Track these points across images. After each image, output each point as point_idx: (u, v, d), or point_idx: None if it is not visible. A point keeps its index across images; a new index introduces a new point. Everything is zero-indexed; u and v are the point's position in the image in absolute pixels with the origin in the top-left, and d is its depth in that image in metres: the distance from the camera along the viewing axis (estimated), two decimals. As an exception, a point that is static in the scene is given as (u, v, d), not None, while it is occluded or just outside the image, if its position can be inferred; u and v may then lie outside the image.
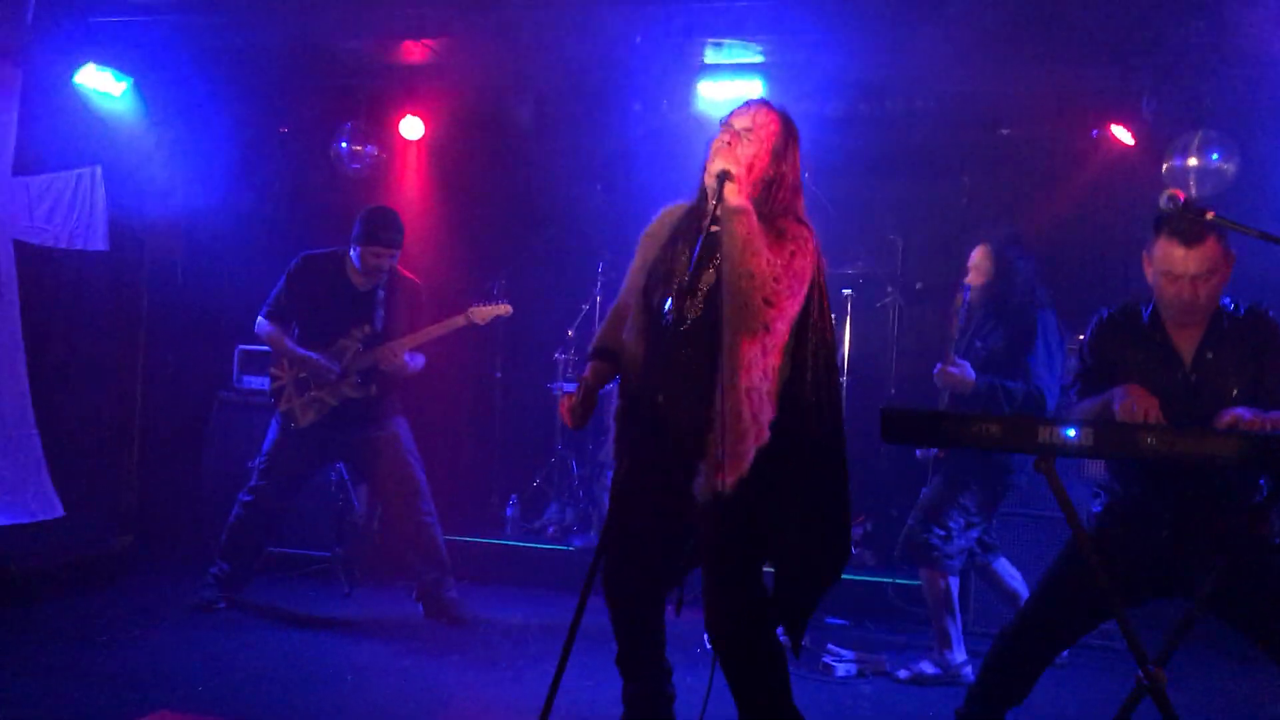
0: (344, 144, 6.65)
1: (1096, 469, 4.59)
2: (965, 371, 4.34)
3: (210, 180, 6.46)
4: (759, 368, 2.90)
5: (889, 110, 6.41)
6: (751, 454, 2.88)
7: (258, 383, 6.27)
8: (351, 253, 5.06)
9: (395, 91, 6.65)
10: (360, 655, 4.55)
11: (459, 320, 5.09)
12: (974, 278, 4.57)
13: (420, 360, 5.15)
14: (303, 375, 5.10)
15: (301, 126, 6.89)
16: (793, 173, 3.06)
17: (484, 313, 5.11)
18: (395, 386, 5.20)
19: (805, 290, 2.94)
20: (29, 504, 5.42)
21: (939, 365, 4.40)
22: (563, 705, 3.88)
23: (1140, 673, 2.66)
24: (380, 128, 6.71)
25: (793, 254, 2.90)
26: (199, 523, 6.21)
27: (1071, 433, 2.58)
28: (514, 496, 6.59)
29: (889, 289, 6.61)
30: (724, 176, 2.86)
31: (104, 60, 5.90)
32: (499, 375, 7.30)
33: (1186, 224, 2.94)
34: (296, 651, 4.57)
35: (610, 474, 6.03)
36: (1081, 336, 5.03)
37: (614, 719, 3.37)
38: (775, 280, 2.85)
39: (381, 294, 5.13)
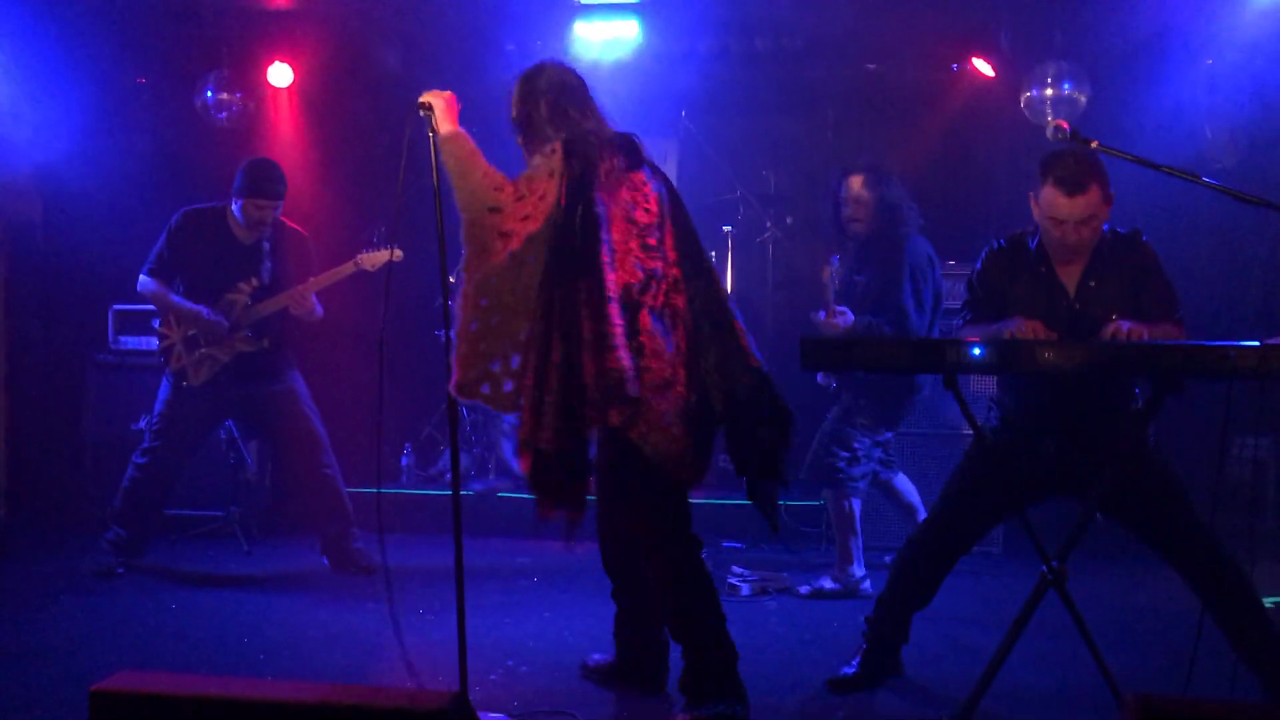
0: (209, 93, 6.46)
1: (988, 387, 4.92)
2: (845, 319, 4.51)
3: (66, 135, 6.19)
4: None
5: (759, 47, 6.56)
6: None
7: (135, 343, 6.10)
8: (234, 206, 4.95)
9: (261, 38, 6.47)
10: (277, 609, 4.54)
11: (348, 267, 5.04)
12: (856, 210, 4.72)
13: (320, 307, 5.11)
14: (192, 332, 4.99)
15: (163, 77, 6.64)
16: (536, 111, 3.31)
17: (374, 259, 5.04)
18: (288, 341, 5.14)
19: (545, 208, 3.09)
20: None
21: (822, 314, 4.54)
22: (540, 639, 4.07)
23: (1045, 569, 2.92)
24: (247, 76, 6.53)
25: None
26: (80, 490, 6.05)
27: (977, 352, 2.78)
28: (407, 445, 6.60)
29: (767, 225, 6.80)
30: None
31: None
32: (383, 325, 7.21)
33: (1070, 174, 3.15)
34: (213, 609, 4.53)
35: (507, 419, 6.14)
36: (952, 262, 5.35)
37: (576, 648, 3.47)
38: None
39: (267, 246, 5.04)
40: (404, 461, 6.52)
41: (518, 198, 3.07)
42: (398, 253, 5.07)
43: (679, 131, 6.90)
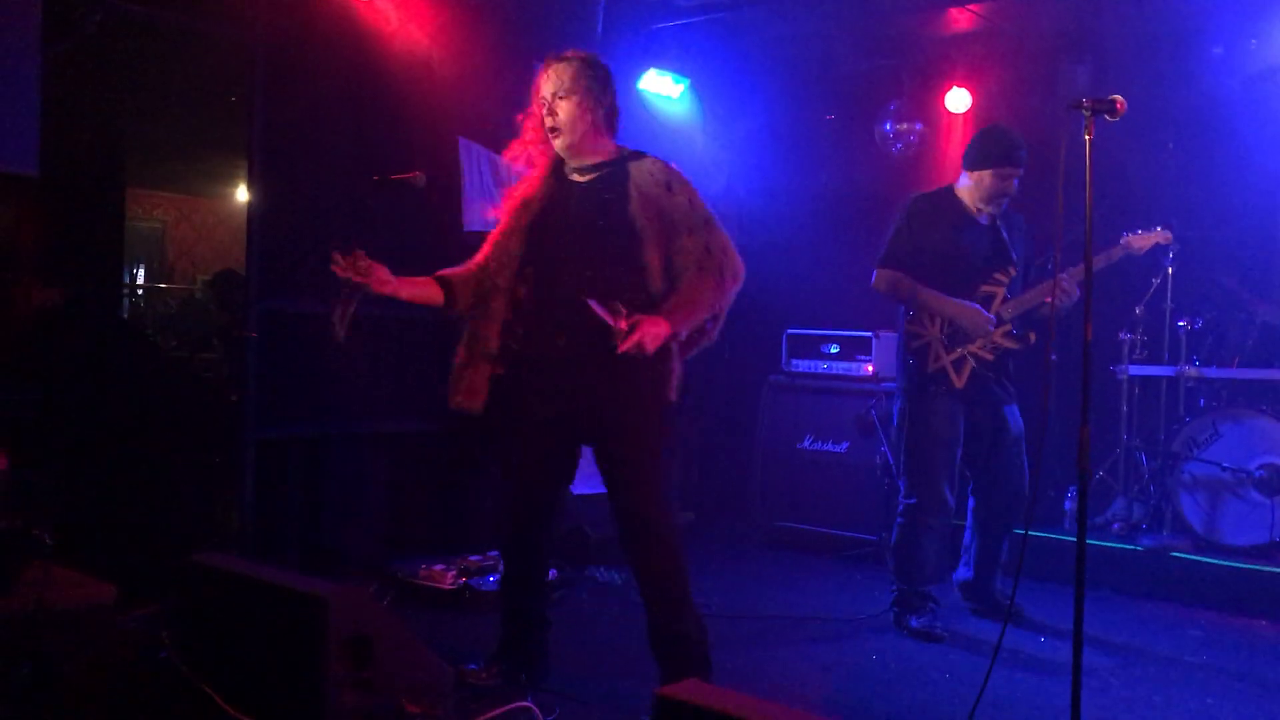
0: (888, 125, 6.56)
1: None
2: None
3: (760, 172, 6.70)
4: None
5: None
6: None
7: (805, 365, 6.38)
8: (966, 182, 4.51)
9: (940, 63, 6.43)
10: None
11: (1116, 251, 4.52)
12: None
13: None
14: (950, 329, 4.47)
15: (848, 111, 6.90)
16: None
17: (1143, 240, 4.54)
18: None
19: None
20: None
21: None
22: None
23: None
24: (925, 104, 6.52)
25: None
26: (748, 500, 6.46)
27: None
28: (1072, 489, 6.07)
29: None
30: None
31: (663, 64, 6.31)
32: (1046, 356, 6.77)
33: None
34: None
35: (1186, 469, 5.39)
36: None
37: None
38: None
39: (1002, 228, 4.55)
40: (1066, 505, 6.01)
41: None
42: (1167, 235, 4.63)
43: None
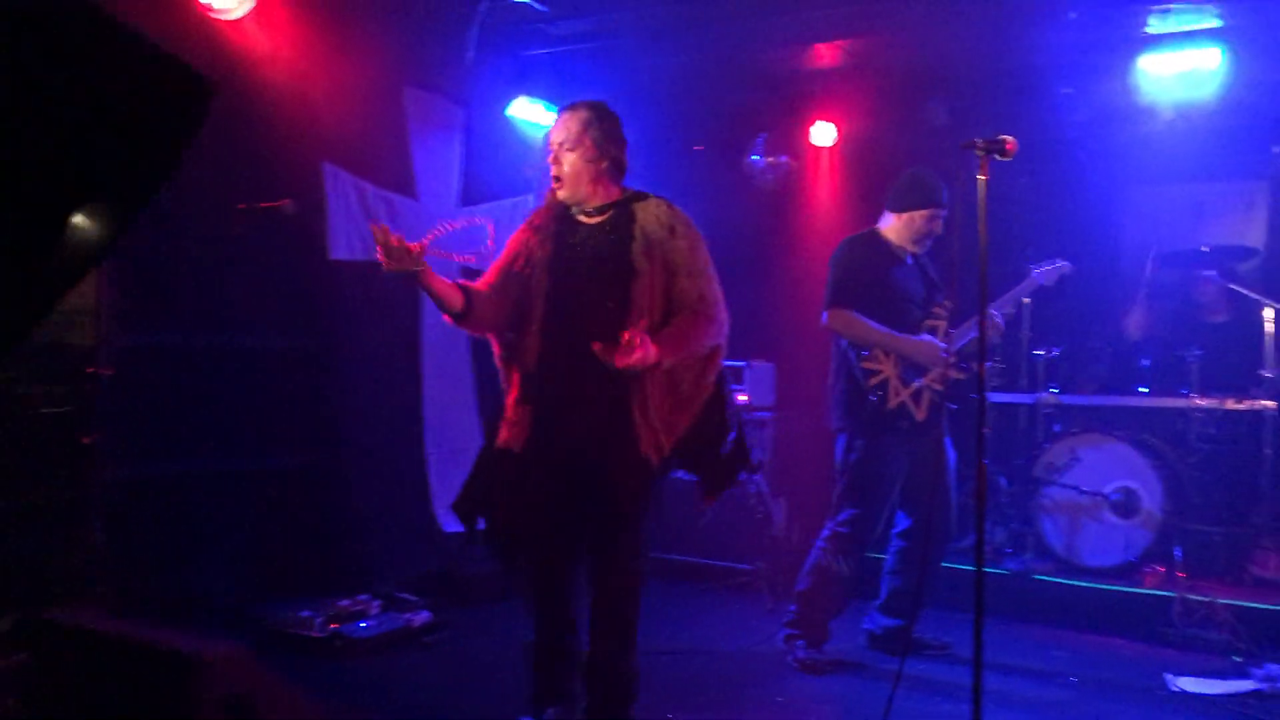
0: (756, 157, 6.64)
1: None
2: None
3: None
4: None
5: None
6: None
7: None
8: (889, 223, 4.62)
9: (806, 98, 6.55)
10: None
11: (1027, 286, 5.00)
12: None
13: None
14: (906, 365, 4.50)
15: (716, 143, 6.96)
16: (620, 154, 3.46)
17: (1048, 273, 4.99)
18: None
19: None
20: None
21: None
22: None
23: None
24: (791, 137, 6.63)
25: None
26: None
27: None
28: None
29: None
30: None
31: (534, 92, 6.25)
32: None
33: None
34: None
35: (1048, 493, 5.59)
36: None
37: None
38: None
39: (928, 266, 4.71)
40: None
41: None
42: (1066, 265, 5.03)
43: (1269, 171, 5.93)
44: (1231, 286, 5.77)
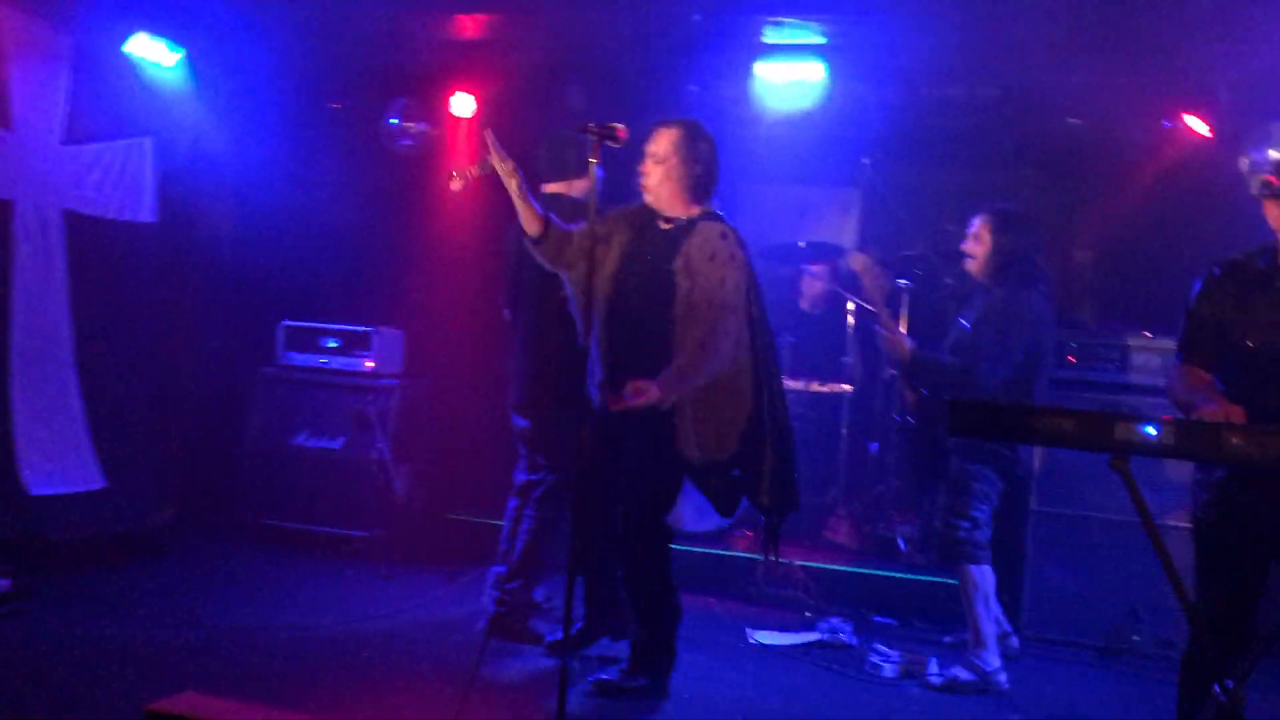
0: (394, 120, 6.57)
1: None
2: (903, 340, 4.56)
3: (261, 155, 6.42)
4: None
5: (952, 96, 6.23)
6: None
7: (302, 359, 6.23)
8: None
9: (447, 67, 6.54)
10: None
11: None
12: (972, 249, 4.54)
13: None
14: None
15: (356, 102, 6.80)
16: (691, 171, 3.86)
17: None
18: None
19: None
20: (70, 474, 5.38)
21: (881, 329, 4.60)
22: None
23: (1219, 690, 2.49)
24: (431, 104, 6.61)
25: None
26: (235, 497, 6.17)
27: (1151, 431, 2.41)
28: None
29: (947, 281, 6.41)
30: None
31: (157, 30, 5.84)
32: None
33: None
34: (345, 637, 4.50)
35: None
36: (1147, 334, 4.88)
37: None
38: None
39: None
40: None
41: None
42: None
43: (862, 180, 6.60)
44: (835, 287, 6.40)
